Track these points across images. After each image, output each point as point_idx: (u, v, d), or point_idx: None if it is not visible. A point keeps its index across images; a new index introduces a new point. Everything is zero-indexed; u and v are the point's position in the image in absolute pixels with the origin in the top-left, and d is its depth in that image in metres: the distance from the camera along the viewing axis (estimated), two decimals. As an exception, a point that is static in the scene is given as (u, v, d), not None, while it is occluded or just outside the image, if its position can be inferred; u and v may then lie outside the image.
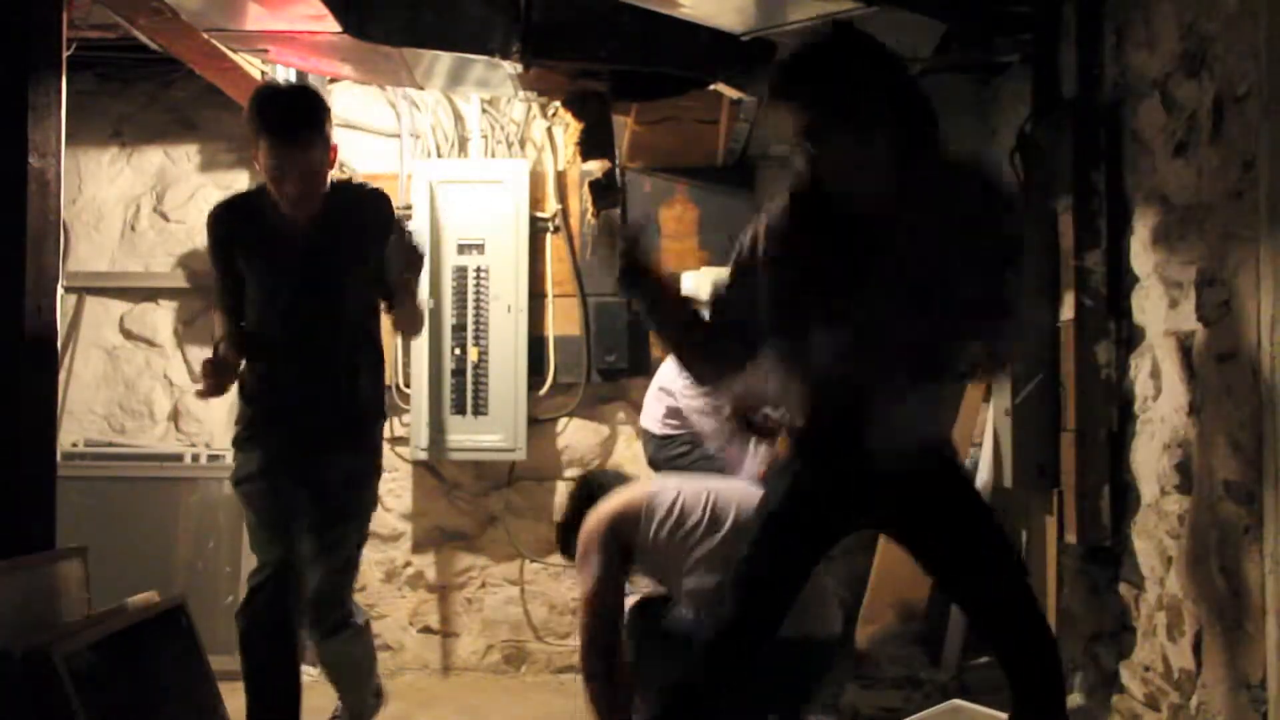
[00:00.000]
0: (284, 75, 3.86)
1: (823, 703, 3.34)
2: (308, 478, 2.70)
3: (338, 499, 2.74)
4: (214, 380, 2.60)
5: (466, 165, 4.31)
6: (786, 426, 2.22)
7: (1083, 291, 3.07)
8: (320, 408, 2.71)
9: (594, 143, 3.47)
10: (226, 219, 2.73)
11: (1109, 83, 3.09)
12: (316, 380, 2.72)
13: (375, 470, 2.86)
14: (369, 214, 2.73)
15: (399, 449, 4.35)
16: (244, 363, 2.72)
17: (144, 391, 4.45)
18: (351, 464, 2.78)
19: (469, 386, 4.19)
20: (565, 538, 2.98)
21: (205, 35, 3.13)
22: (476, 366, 4.20)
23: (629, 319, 4.24)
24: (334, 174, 2.75)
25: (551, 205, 4.34)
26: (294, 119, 2.55)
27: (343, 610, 2.86)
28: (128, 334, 4.48)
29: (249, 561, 4.16)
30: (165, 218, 4.48)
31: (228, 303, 2.75)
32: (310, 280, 2.69)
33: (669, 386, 3.62)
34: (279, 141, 2.53)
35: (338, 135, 4.28)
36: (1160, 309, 2.79)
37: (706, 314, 2.23)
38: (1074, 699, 3.17)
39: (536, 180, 4.32)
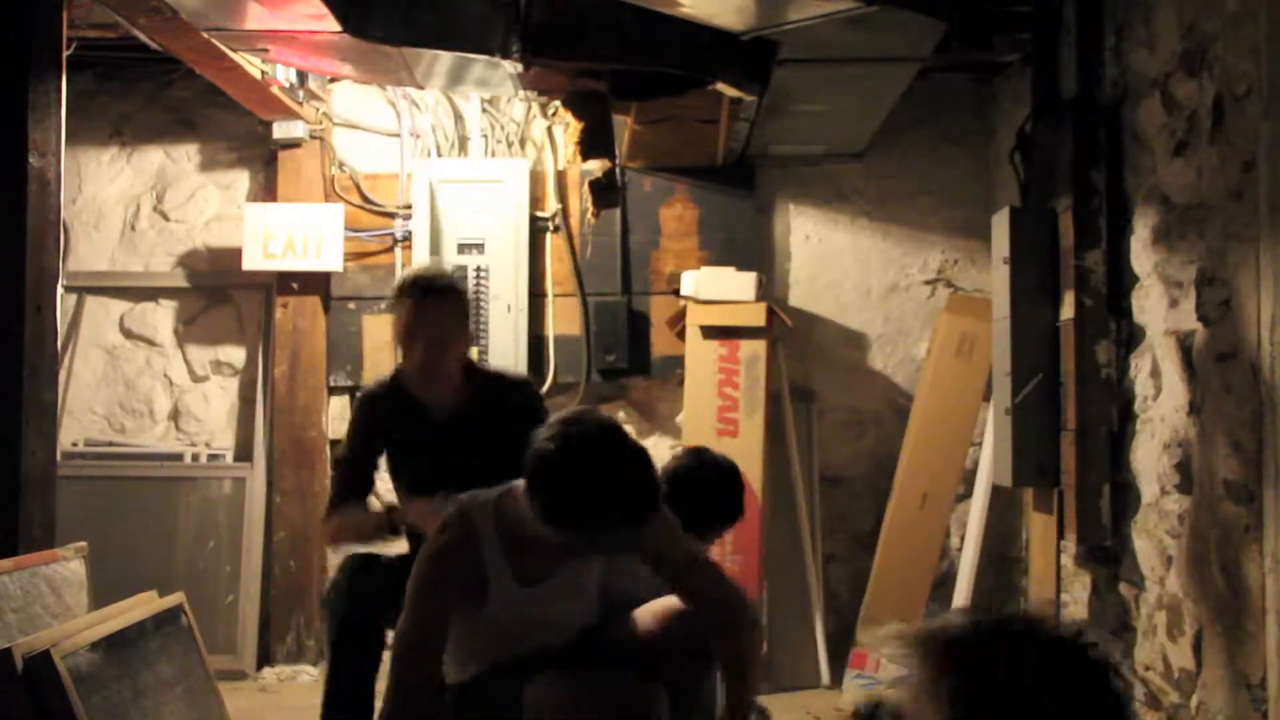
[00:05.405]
0: (284, 75, 3.86)
1: None
2: None
3: None
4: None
5: (466, 165, 4.31)
6: None
7: (1083, 291, 3.07)
8: None
9: (594, 142, 3.46)
10: (374, 404, 2.73)
11: (1109, 83, 3.09)
12: None
13: None
14: (513, 400, 2.72)
15: (399, 449, 4.35)
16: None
17: (144, 391, 4.45)
18: None
19: (469, 386, 4.19)
20: None
21: (205, 35, 3.13)
22: (476, 366, 4.19)
23: (628, 318, 4.25)
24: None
25: (551, 205, 4.33)
26: (433, 284, 2.64)
27: None
28: (128, 334, 4.48)
29: (249, 561, 4.18)
30: (165, 217, 4.48)
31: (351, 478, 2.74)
32: (454, 466, 2.60)
33: None
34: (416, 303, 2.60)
35: (338, 134, 4.34)
36: (1160, 308, 2.79)
37: None
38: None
39: (536, 180, 4.32)
